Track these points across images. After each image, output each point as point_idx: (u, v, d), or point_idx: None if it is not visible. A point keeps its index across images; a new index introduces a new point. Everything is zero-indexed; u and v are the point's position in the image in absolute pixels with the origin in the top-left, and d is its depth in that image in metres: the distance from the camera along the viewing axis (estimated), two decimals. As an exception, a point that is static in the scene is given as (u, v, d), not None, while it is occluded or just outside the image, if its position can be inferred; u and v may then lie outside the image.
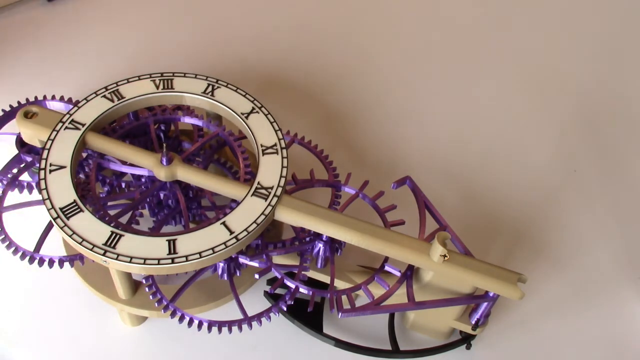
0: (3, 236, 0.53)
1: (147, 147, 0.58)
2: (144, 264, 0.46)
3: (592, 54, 0.91)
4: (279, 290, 0.53)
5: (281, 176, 0.52)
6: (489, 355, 0.59)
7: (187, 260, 0.46)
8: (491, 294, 0.52)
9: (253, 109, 0.57)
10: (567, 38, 0.93)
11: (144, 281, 0.52)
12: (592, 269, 0.66)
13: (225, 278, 0.53)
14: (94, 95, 0.56)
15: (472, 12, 0.95)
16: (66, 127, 0.53)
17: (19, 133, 0.56)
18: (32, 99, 0.60)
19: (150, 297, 0.51)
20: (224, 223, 0.48)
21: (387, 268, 0.53)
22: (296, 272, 0.52)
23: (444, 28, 0.92)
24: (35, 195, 0.55)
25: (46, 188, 0.49)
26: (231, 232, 0.48)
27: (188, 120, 0.59)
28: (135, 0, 0.86)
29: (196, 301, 0.54)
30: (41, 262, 0.52)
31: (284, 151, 0.54)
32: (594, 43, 0.93)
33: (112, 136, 0.55)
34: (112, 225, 0.48)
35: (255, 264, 0.52)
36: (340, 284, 0.54)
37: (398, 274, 0.53)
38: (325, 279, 0.54)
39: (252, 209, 0.49)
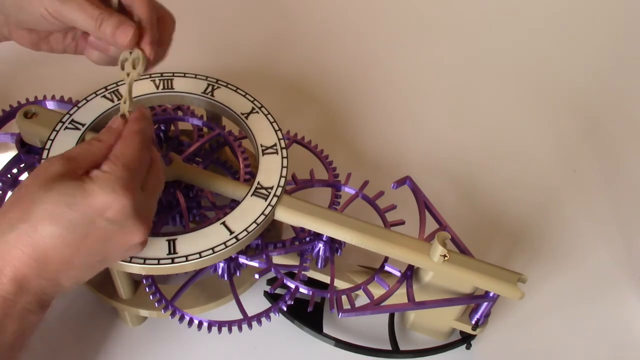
0: (3, 236, 0.53)
1: (147, 147, 0.58)
2: (144, 264, 0.46)
3: (592, 54, 0.91)
4: (279, 290, 0.53)
5: (281, 176, 0.52)
6: (489, 355, 0.59)
7: (187, 260, 0.46)
8: (491, 294, 0.52)
9: (253, 109, 0.57)
10: (568, 38, 0.93)
11: (144, 281, 0.52)
12: (592, 269, 0.66)
13: (225, 278, 0.53)
14: (94, 95, 0.55)
15: (473, 13, 0.95)
16: (66, 127, 0.53)
17: (19, 133, 0.56)
18: (32, 99, 0.60)
19: (150, 297, 0.51)
20: (224, 223, 0.48)
21: (387, 268, 0.53)
22: (296, 272, 0.52)
23: (445, 29, 0.92)
24: (35, 195, 0.55)
25: (46, 188, 0.49)
26: (231, 232, 0.48)
27: (188, 120, 0.59)
28: (135, 0, 0.86)
29: (196, 301, 0.54)
30: (41, 262, 0.52)
31: (284, 151, 0.54)
32: (594, 43, 0.93)
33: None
34: (112, 225, 0.48)
35: (255, 264, 0.52)
36: (340, 284, 0.54)
37: (398, 274, 0.53)
38: (325, 279, 0.54)
39: (252, 209, 0.49)
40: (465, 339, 0.58)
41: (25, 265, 0.39)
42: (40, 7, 0.46)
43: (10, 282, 0.39)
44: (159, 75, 0.57)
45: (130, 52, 0.47)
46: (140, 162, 0.42)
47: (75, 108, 0.54)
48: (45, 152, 0.51)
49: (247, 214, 0.49)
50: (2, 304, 0.39)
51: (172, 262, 0.46)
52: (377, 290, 0.53)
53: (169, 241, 0.47)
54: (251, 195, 0.50)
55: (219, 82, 0.58)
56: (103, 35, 0.46)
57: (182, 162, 0.53)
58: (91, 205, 0.39)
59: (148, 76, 0.57)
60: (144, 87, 0.56)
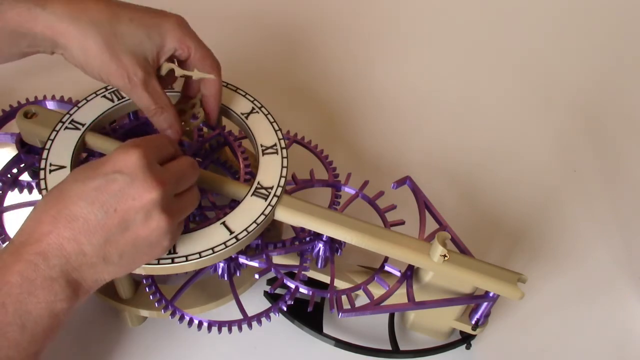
0: (3, 236, 0.53)
1: (147, 147, 0.58)
2: (144, 264, 0.46)
3: (592, 54, 0.91)
4: (279, 290, 0.53)
5: (281, 176, 0.52)
6: (489, 355, 0.59)
7: (187, 260, 0.46)
8: (491, 294, 0.52)
9: (253, 109, 0.57)
10: (567, 38, 0.93)
11: (144, 281, 0.52)
12: (592, 269, 0.66)
13: (225, 278, 0.53)
14: (94, 95, 0.56)
15: (472, 13, 0.95)
16: (66, 127, 0.53)
17: (19, 133, 0.56)
18: (32, 99, 0.60)
19: (150, 297, 0.51)
20: (224, 223, 0.48)
21: (387, 268, 0.53)
22: (296, 272, 0.52)
23: (445, 29, 0.92)
24: (35, 195, 0.55)
25: (46, 188, 0.49)
26: (231, 232, 0.48)
27: (188, 120, 0.59)
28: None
29: (196, 301, 0.54)
30: (41, 262, 0.51)
31: (284, 151, 0.54)
32: (594, 43, 0.93)
33: (112, 136, 0.55)
34: (112, 225, 0.48)
35: (255, 264, 0.52)
36: (340, 284, 0.54)
37: (398, 274, 0.53)
38: (325, 279, 0.54)
39: (252, 209, 0.49)
40: (465, 339, 0.58)
41: (47, 223, 0.41)
42: (100, 77, 0.50)
43: (34, 246, 0.40)
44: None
45: (191, 107, 0.55)
46: (160, 142, 0.45)
47: (75, 108, 0.54)
48: (45, 152, 0.51)
49: (247, 214, 0.49)
50: (26, 267, 0.40)
51: (172, 262, 0.46)
52: (377, 290, 0.53)
53: (169, 241, 0.47)
54: (251, 195, 0.50)
55: (219, 82, 0.58)
56: (154, 124, 0.52)
57: (182, 162, 0.53)
58: (106, 164, 0.42)
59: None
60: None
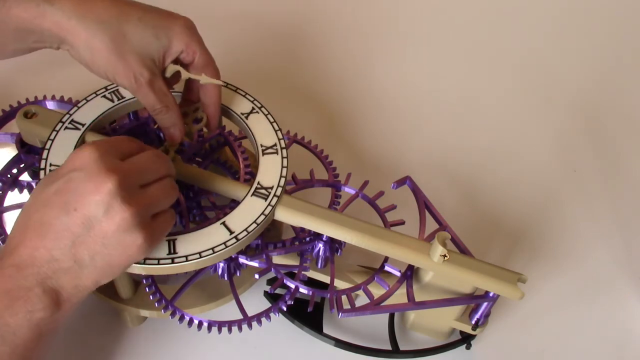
0: (3, 236, 0.53)
1: (147, 147, 0.58)
2: (144, 264, 0.46)
3: (592, 54, 0.91)
4: (279, 290, 0.53)
5: (281, 176, 0.52)
6: (489, 355, 0.59)
7: (187, 260, 0.46)
8: (491, 294, 0.52)
9: (253, 109, 0.57)
10: (567, 38, 0.93)
11: (144, 281, 0.52)
12: (592, 269, 0.66)
13: (225, 278, 0.53)
14: (94, 95, 0.56)
15: (472, 13, 0.95)
16: (66, 127, 0.53)
17: (19, 133, 0.56)
18: (32, 99, 0.60)
19: (150, 297, 0.51)
20: (223, 223, 0.48)
21: (387, 268, 0.53)
22: (296, 272, 0.52)
23: (444, 28, 0.92)
24: (35, 195, 0.55)
25: (46, 188, 0.49)
26: (231, 232, 0.48)
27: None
28: None
29: (196, 301, 0.54)
30: (41, 262, 0.51)
31: (284, 151, 0.54)
32: (594, 43, 0.93)
33: (112, 136, 0.55)
34: (112, 225, 0.48)
35: (255, 264, 0.52)
36: (340, 284, 0.54)
37: (398, 274, 0.53)
38: (325, 279, 0.54)
39: (252, 209, 0.49)
40: (465, 339, 0.58)
41: (18, 233, 0.42)
42: (106, 76, 0.50)
43: (8, 259, 0.41)
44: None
45: (194, 110, 0.55)
46: (118, 139, 0.45)
47: (75, 108, 0.54)
48: (45, 152, 0.51)
49: (247, 214, 0.49)
50: (1, 280, 0.40)
51: (172, 262, 0.46)
52: (377, 290, 0.53)
53: (169, 241, 0.47)
54: (251, 195, 0.50)
55: (219, 82, 0.58)
56: (157, 122, 0.53)
57: (182, 162, 0.53)
58: (63, 166, 0.43)
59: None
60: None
